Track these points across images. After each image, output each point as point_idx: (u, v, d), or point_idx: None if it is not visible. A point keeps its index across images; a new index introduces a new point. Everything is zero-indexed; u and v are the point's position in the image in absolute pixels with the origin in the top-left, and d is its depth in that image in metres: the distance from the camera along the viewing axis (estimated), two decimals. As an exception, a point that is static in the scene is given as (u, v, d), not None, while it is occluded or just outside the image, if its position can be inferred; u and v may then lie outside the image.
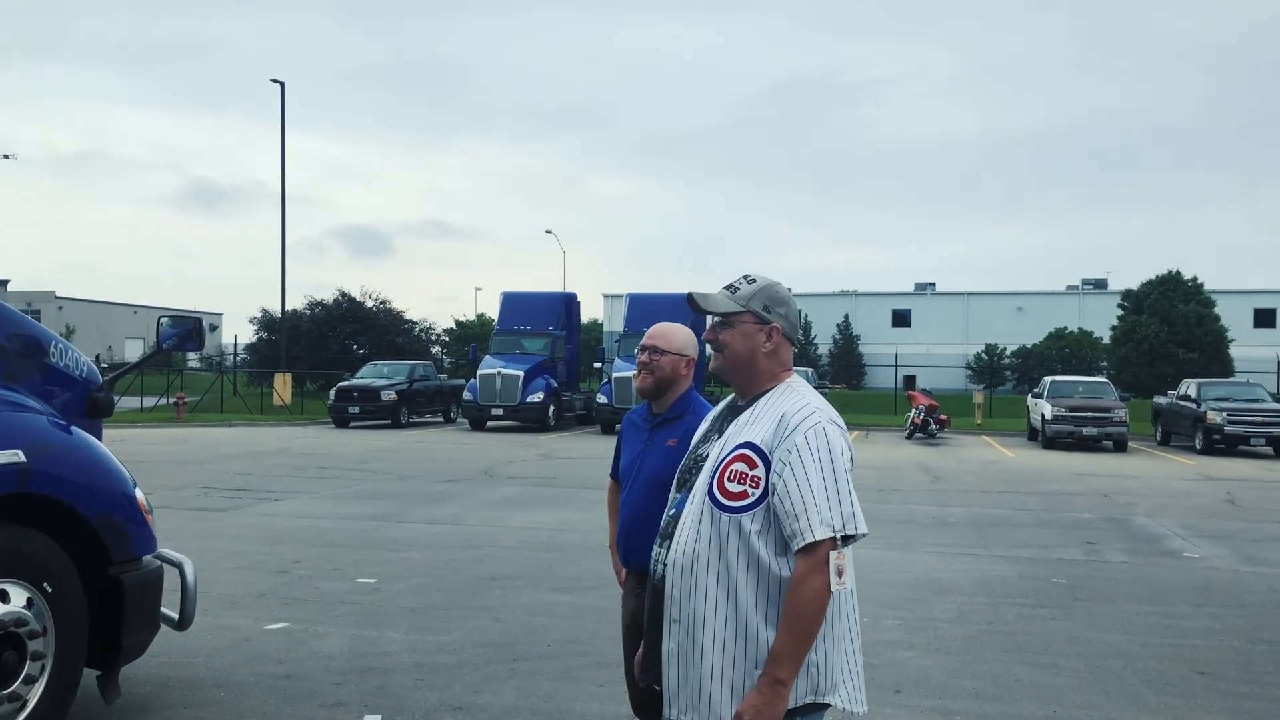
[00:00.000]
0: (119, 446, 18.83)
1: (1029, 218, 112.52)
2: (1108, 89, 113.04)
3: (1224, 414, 22.55)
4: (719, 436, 2.49)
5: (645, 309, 27.22)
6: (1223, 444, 22.47)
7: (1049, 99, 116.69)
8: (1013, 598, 7.43)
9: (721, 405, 2.65)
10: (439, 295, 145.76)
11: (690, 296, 2.54)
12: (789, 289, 2.56)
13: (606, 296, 76.67)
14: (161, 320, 4.94)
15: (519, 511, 11.33)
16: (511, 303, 28.48)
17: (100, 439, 4.55)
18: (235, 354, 41.91)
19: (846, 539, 2.27)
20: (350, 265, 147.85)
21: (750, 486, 2.31)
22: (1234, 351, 53.07)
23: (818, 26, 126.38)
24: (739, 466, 2.33)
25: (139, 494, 4.40)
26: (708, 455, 2.47)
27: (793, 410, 2.35)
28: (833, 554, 2.24)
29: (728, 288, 2.54)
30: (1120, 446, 23.54)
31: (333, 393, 27.45)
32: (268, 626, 6.21)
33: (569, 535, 9.80)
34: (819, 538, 2.22)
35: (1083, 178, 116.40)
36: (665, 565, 2.46)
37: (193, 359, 71.67)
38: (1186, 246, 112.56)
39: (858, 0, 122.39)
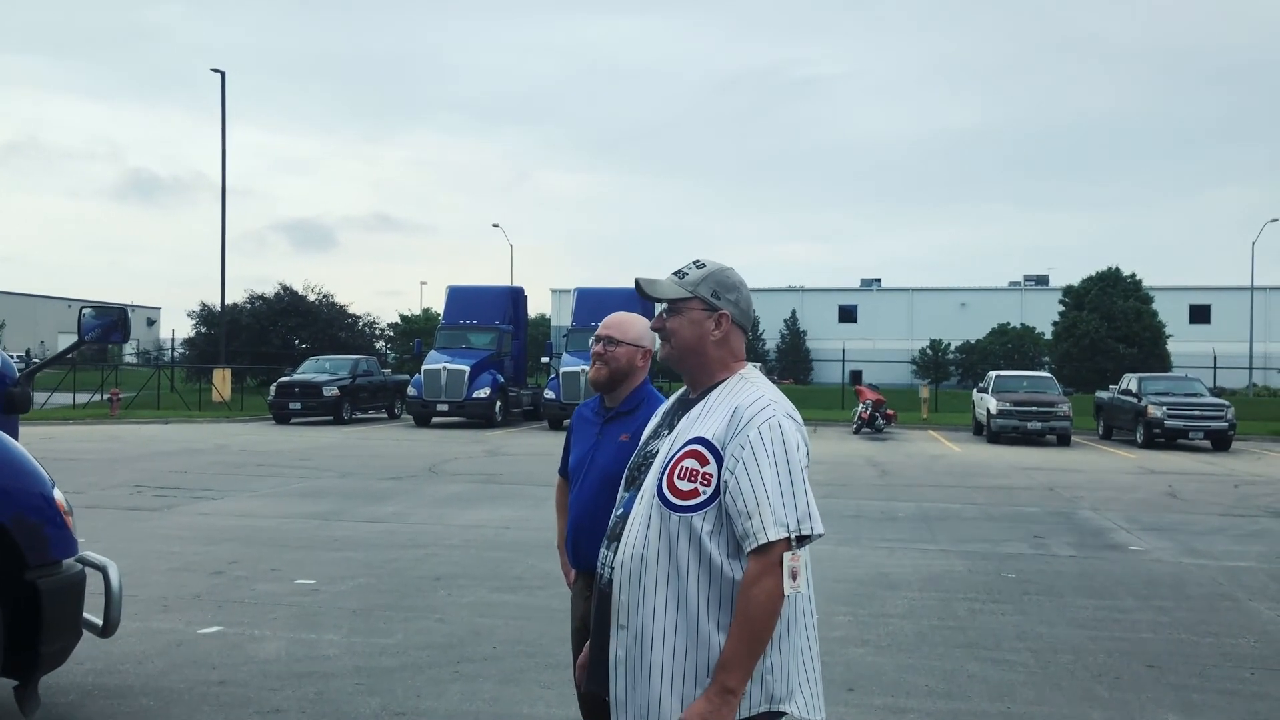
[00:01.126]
0: (49, 444, 18.30)
1: (972, 215, 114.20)
2: (1049, 90, 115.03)
3: (1164, 408, 22.96)
4: (669, 432, 2.35)
5: (593, 303, 27.06)
6: (1163, 437, 22.87)
7: (991, 99, 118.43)
8: (963, 592, 7.41)
9: (673, 399, 2.50)
10: (384, 290, 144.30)
11: (637, 283, 2.41)
12: (741, 276, 2.43)
13: (554, 291, 76.33)
14: (84, 311, 4.69)
15: (464, 509, 11.12)
16: (457, 297, 28.13)
17: (16, 436, 4.29)
18: (173, 349, 41.00)
19: (801, 540, 2.14)
20: (293, 259, 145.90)
21: (701, 484, 2.18)
22: (1171, 347, 54.28)
23: (764, 23, 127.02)
24: (689, 463, 2.20)
25: (57, 494, 4.16)
26: (657, 452, 2.34)
27: (746, 403, 2.22)
28: (787, 555, 2.11)
29: (676, 273, 2.40)
30: (1064, 440, 23.87)
31: (273, 388, 26.93)
32: (201, 630, 5.97)
33: (515, 533, 9.62)
34: (772, 538, 2.09)
35: (1023, 176, 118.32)
36: (613, 569, 2.32)
37: (129, 354, 70.17)
38: (1125, 244, 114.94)
39: (799, 0, 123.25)
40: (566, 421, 25.89)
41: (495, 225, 65.46)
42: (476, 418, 25.57)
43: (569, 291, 44.27)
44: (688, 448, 2.22)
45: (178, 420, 26.68)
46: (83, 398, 30.69)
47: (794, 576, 2.11)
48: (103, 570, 4.39)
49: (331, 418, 26.08)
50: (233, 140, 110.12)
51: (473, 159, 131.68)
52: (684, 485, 2.19)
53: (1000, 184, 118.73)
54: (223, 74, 31.91)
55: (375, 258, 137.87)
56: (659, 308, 2.43)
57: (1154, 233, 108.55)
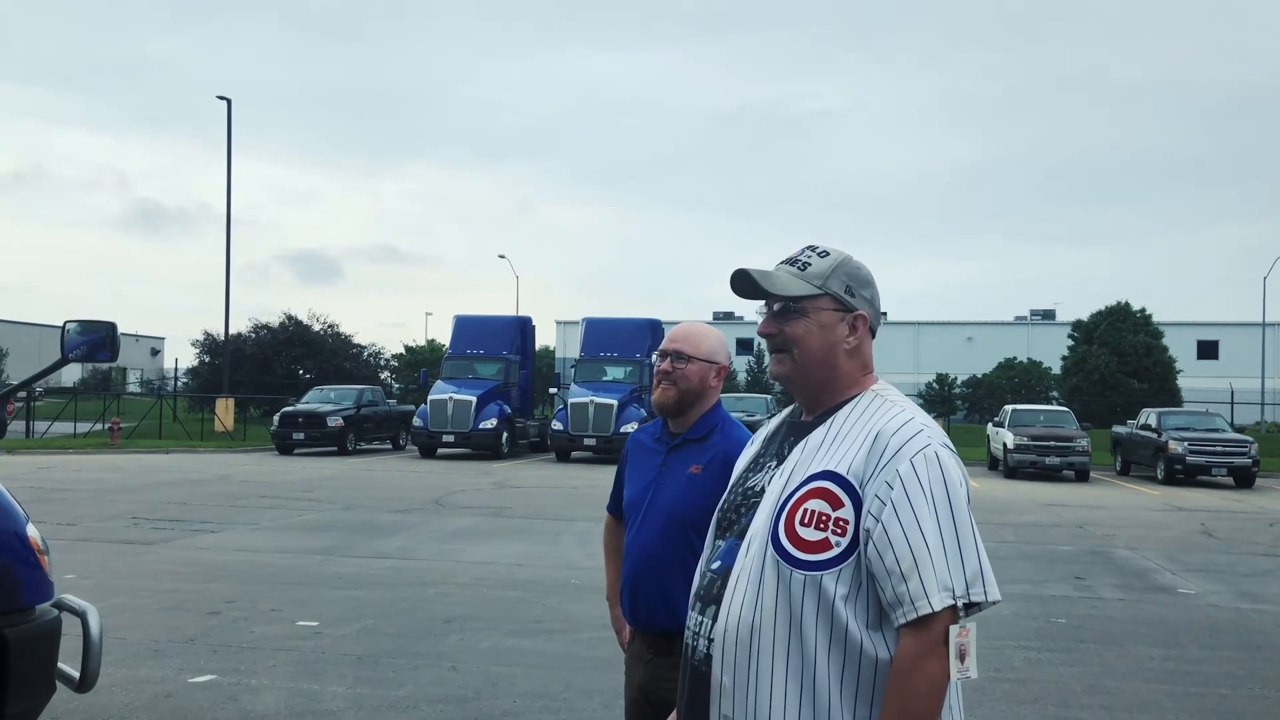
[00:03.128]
0: (46, 474, 17.78)
1: (977, 249, 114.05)
2: (1052, 124, 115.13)
3: (1185, 444, 22.40)
4: (778, 463, 1.85)
5: (602, 334, 26.63)
6: (1183, 474, 22.30)
7: (993, 133, 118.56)
8: (1014, 639, 6.88)
9: (776, 421, 2.00)
10: (389, 321, 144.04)
11: (742, 275, 1.86)
12: (868, 267, 1.93)
13: (560, 323, 75.89)
14: (67, 326, 4.22)
15: (474, 544, 10.61)
16: (464, 326, 27.69)
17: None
18: (176, 378, 40.55)
19: (970, 607, 1.65)
20: (298, 290, 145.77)
21: (834, 533, 1.69)
22: (1180, 382, 53.72)
23: (765, 58, 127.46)
24: (816, 505, 1.71)
25: (32, 531, 3.69)
26: (762, 489, 1.84)
27: (891, 428, 1.73)
28: (953, 630, 1.62)
29: (790, 262, 1.89)
30: (1082, 476, 23.30)
31: (276, 418, 26.42)
32: (193, 679, 5.46)
33: (529, 571, 9.11)
34: (936, 607, 1.61)
35: (1027, 210, 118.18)
36: (711, 641, 1.81)
37: (132, 383, 69.75)
38: (1130, 279, 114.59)
39: (804, 33, 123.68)
40: (576, 454, 25.17)
41: (501, 256, 65.27)
42: (483, 449, 25.04)
43: (574, 323, 43.93)
44: (812, 484, 1.73)
45: (179, 450, 26.17)
46: (84, 426, 30.22)
47: (962, 658, 1.62)
48: (81, 616, 3.90)
49: (336, 448, 25.57)
50: (237, 172, 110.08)
51: (476, 191, 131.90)
52: (810, 534, 1.70)
53: (1004, 218, 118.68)
54: (228, 101, 31.72)
55: (380, 289, 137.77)
56: (760, 309, 1.94)
57: (1159, 268, 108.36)
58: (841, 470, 1.72)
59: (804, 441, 1.83)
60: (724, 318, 71.44)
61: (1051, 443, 23.34)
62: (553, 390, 29.48)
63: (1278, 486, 22.87)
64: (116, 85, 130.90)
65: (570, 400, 24.50)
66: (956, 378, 66.86)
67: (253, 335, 42.02)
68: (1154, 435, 23.63)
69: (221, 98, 31.78)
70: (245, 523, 11.96)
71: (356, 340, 44.52)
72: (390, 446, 28.44)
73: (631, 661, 2.70)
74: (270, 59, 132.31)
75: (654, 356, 2.76)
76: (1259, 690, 5.82)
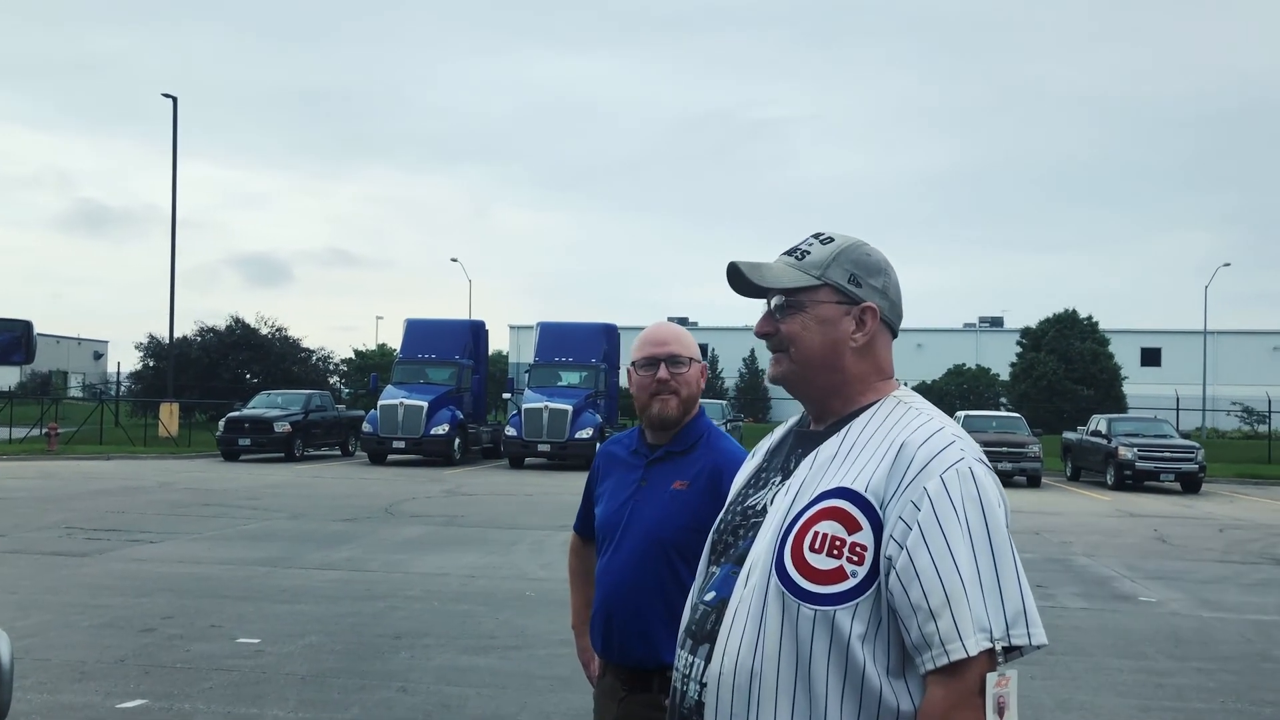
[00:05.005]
0: (-27, 481, 17.07)
1: (927, 256, 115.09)
2: (1003, 134, 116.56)
3: (1135, 450, 22.62)
4: (783, 479, 1.60)
5: (558, 338, 26.34)
6: (1133, 479, 22.52)
7: (945, 142, 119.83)
8: (981, 652, 6.72)
9: (782, 430, 1.75)
10: (339, 325, 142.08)
11: (734, 269, 1.65)
12: (883, 254, 1.69)
13: (513, 328, 75.35)
14: (-21, 325, 3.87)
15: (424, 555, 10.28)
16: (416, 330, 27.22)
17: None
18: (118, 382, 39.56)
19: (1010, 652, 1.42)
20: (247, 293, 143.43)
21: (850, 561, 1.45)
22: (1125, 389, 54.57)
23: (725, 64, 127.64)
24: (829, 528, 1.46)
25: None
26: (764, 508, 1.59)
27: (918, 439, 1.48)
28: (990, 678, 1.39)
29: (790, 253, 1.67)
30: (1034, 482, 23.43)
31: (222, 423, 25.79)
32: (121, 704, 5.11)
33: (482, 583, 8.81)
34: (971, 652, 1.37)
35: (978, 218, 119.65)
36: (703, 685, 1.56)
37: (73, 387, 68.04)
38: (1076, 287, 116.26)
39: (763, 40, 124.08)
40: (530, 460, 24.76)
41: (454, 260, 64.25)
42: (434, 455, 24.62)
43: (528, 327, 43.50)
44: (825, 504, 1.48)
45: (120, 456, 25.43)
46: (20, 432, 29.30)
47: (1000, 712, 1.38)
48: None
49: (283, 454, 24.98)
50: (186, 173, 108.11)
51: (430, 195, 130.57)
52: (822, 562, 1.45)
53: (953, 225, 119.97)
54: (174, 99, 30.97)
55: (331, 293, 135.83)
56: (762, 304, 1.72)
57: (1104, 276, 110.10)
58: (859, 487, 1.47)
59: (814, 454, 1.58)
60: (678, 323, 71.28)
61: (1004, 449, 23.44)
62: (506, 395, 29.09)
63: (1223, 492, 23.18)
64: (61, 82, 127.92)
65: (524, 405, 24.17)
66: (906, 384, 67.23)
67: (198, 339, 41.10)
68: (1104, 441, 23.84)
69: (167, 95, 31.06)
70: (187, 532, 11.52)
71: (305, 344, 43.75)
72: (339, 453, 27.90)
73: (602, 698, 2.44)
74: (222, 59, 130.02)
75: (635, 366, 2.47)
76: (1231, 704, 5.70)
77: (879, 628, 1.44)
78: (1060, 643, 7.04)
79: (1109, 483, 23.04)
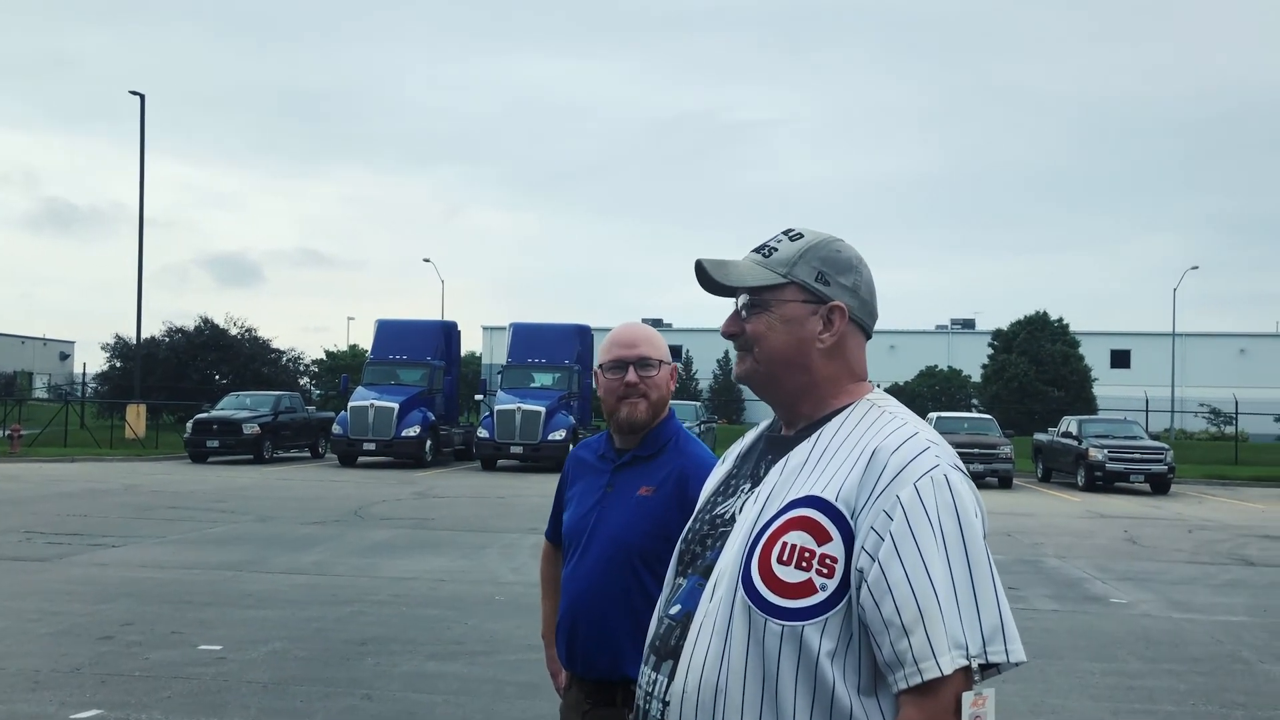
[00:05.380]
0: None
1: (900, 259, 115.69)
2: (975, 138, 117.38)
3: (1105, 451, 22.78)
4: (752, 486, 1.54)
5: (530, 339, 26.20)
6: (1103, 480, 22.68)
7: (918, 145, 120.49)
8: (953, 655, 6.69)
9: (752, 435, 1.68)
10: (311, 325, 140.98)
11: (699, 267, 1.58)
12: (856, 250, 1.62)
13: (486, 329, 75.07)
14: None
15: (393, 559, 10.15)
16: (387, 331, 27.00)
17: None
18: (84, 383, 39.04)
19: (987, 669, 1.35)
20: (218, 293, 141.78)
21: (819, 574, 1.37)
22: (1095, 390, 55.05)
23: (699, 67, 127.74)
24: (797, 539, 1.39)
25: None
26: (733, 517, 1.52)
27: (891, 444, 1.41)
28: (966, 697, 1.32)
29: (759, 250, 1.60)
30: (1006, 483, 23.54)
31: (190, 425, 25.48)
32: (75, 715, 4.97)
33: (451, 587, 8.70)
34: (945, 670, 1.30)
35: (950, 220, 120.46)
36: (666, 703, 1.48)
37: (39, 388, 67.09)
38: (1047, 289, 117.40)
39: (738, 43, 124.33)
40: (503, 462, 24.59)
41: (426, 260, 63.81)
42: (405, 457, 24.43)
43: (501, 328, 43.30)
44: (793, 513, 1.41)
45: (85, 459, 25.06)
46: (-19, 434, 28.82)
47: None
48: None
49: (252, 456, 24.71)
50: (156, 173, 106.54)
51: (403, 195, 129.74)
52: (790, 574, 1.38)
53: (926, 228, 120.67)
54: (141, 96, 30.58)
55: (302, 293, 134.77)
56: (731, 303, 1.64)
57: (1074, 279, 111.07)
58: (829, 496, 1.40)
59: (784, 460, 1.50)
60: (653, 324, 71.38)
61: (976, 450, 23.53)
62: (479, 397, 28.93)
63: (1192, 493, 23.38)
64: (29, 80, 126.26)
65: (497, 407, 24.02)
66: (879, 385, 67.45)
67: (166, 339, 40.66)
68: (1075, 443, 24.00)
69: (134, 93, 30.68)
70: (151, 536, 11.33)
71: (275, 345, 43.35)
72: (309, 455, 27.63)
73: (568, 711, 2.36)
74: (191, 59, 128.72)
75: (603, 369, 2.39)
76: (1203, 706, 5.69)
77: (849, 644, 1.37)
78: (1032, 645, 7.01)
79: (1080, 484, 23.19)
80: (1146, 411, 39.61)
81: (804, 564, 1.38)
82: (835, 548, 1.37)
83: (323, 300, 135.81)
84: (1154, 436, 40.00)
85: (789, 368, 1.54)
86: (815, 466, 1.45)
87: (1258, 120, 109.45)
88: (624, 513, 2.28)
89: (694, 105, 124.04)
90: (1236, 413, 39.38)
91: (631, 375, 2.33)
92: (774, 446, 1.57)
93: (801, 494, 1.42)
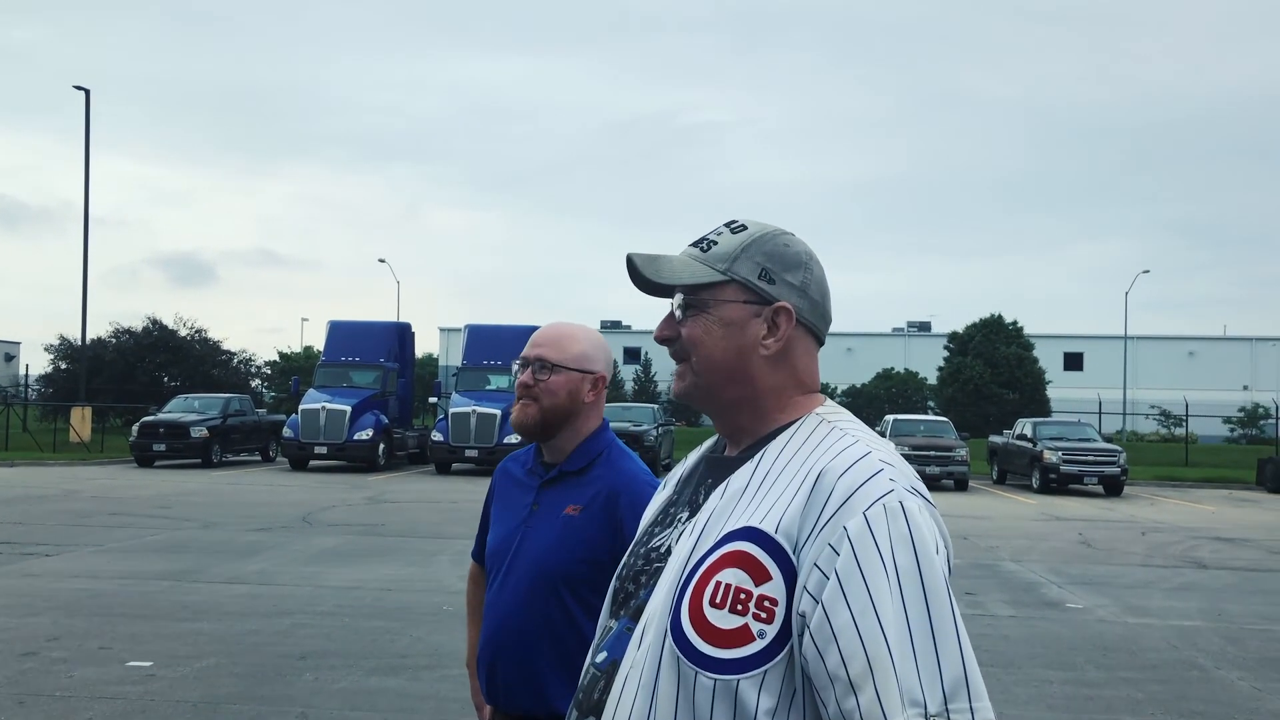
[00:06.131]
0: None
1: (856, 262, 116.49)
2: (930, 141, 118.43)
3: (1060, 454, 22.94)
4: (689, 514, 1.35)
5: (487, 341, 25.88)
6: (1057, 482, 22.83)
7: (873, 149, 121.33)
8: (910, 665, 6.57)
9: (695, 457, 1.49)
10: (264, 327, 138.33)
11: (629, 261, 1.38)
12: (806, 244, 1.43)
13: (442, 330, 74.45)
14: None
15: (340, 567, 9.87)
16: (339, 332, 26.58)
17: None
18: (26, 385, 38.09)
19: None
20: (169, 294, 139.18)
21: (756, 618, 1.18)
22: (1049, 392, 55.65)
23: (656, 69, 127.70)
24: (732, 577, 1.20)
25: None
26: (669, 550, 1.33)
27: (838, 466, 1.22)
28: None
29: (697, 244, 1.40)
30: (961, 485, 23.63)
31: (135, 428, 24.89)
32: (-13, 740, 4.70)
33: (397, 597, 8.45)
34: None
35: (906, 224, 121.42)
36: None
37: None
38: (1002, 293, 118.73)
39: (695, 46, 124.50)
40: (457, 466, 24.19)
41: (381, 260, 63.09)
42: (358, 461, 24.05)
43: (457, 330, 42.89)
44: (728, 547, 1.22)
45: (24, 463, 24.39)
46: (-82, 438, 27.98)
47: None
48: None
49: (200, 460, 24.19)
50: (106, 170, 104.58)
51: (359, 195, 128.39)
52: (723, 619, 1.19)
53: (882, 231, 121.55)
54: (87, 91, 29.92)
55: (256, 294, 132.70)
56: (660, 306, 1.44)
57: (1029, 282, 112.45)
58: (768, 527, 1.20)
59: (724, 485, 1.31)
60: (612, 326, 71.17)
61: (932, 452, 23.61)
62: (433, 400, 28.54)
63: (1144, 494, 23.62)
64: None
65: (451, 410, 23.71)
66: (836, 388, 68.06)
67: (113, 340, 39.78)
68: (1029, 445, 24.16)
69: (79, 88, 30.01)
70: (88, 544, 10.95)
71: (227, 346, 42.55)
72: (259, 458, 27.12)
73: (488, 747, 2.17)
74: (142, 54, 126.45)
75: (515, 365, 2.22)
76: (1160, 714, 5.61)
77: (792, 700, 1.17)
78: (990, 653, 6.92)
79: (1034, 486, 23.35)
80: (1100, 414, 40.07)
81: (739, 607, 1.18)
82: (775, 588, 1.18)
83: (277, 301, 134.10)
84: (1106, 438, 40.51)
85: (729, 378, 1.35)
86: (756, 493, 1.25)
87: (1205, 127, 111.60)
88: (549, 534, 2.08)
89: (652, 106, 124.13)
90: (1187, 415, 39.93)
91: (526, 375, 2.16)
92: (714, 469, 1.37)
93: (739, 525, 1.23)
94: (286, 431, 24.37)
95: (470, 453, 23.12)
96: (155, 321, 40.56)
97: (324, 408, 23.71)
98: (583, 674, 1.40)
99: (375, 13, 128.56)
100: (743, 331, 1.34)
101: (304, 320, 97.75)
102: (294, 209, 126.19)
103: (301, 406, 24.13)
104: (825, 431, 1.29)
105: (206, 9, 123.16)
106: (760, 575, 1.18)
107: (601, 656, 1.35)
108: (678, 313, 1.37)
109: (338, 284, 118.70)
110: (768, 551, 1.19)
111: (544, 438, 2.16)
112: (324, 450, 23.60)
